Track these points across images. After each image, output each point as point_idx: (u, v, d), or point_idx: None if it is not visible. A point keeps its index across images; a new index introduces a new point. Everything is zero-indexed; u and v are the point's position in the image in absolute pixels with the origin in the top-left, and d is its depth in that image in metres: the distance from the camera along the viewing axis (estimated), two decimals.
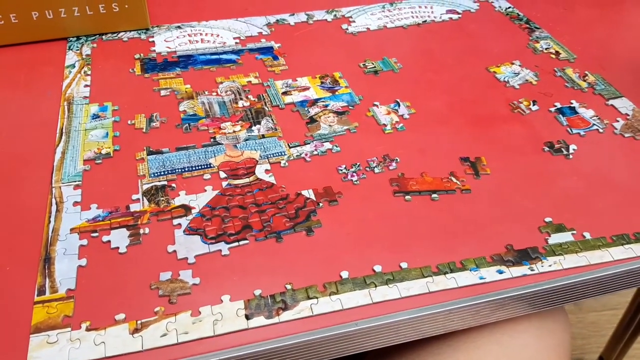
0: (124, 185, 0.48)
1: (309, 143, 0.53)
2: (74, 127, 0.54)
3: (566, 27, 0.72)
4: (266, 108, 0.57)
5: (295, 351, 0.38)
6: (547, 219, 0.46)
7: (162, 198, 0.47)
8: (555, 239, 0.45)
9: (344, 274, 0.41)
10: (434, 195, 0.48)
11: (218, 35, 0.68)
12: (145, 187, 0.48)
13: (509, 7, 0.76)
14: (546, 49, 0.68)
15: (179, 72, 0.62)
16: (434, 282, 0.41)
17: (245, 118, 0.56)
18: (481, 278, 0.42)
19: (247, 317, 0.38)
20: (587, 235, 0.45)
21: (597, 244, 0.45)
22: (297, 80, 0.61)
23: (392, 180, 0.49)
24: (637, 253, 0.44)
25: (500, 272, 0.42)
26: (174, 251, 0.42)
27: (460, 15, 0.74)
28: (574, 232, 0.45)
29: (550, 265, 0.43)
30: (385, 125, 0.56)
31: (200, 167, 0.50)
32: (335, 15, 0.73)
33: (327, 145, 0.53)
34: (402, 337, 0.40)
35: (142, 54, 0.64)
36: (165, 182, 0.48)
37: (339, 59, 0.65)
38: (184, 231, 0.44)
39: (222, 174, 0.49)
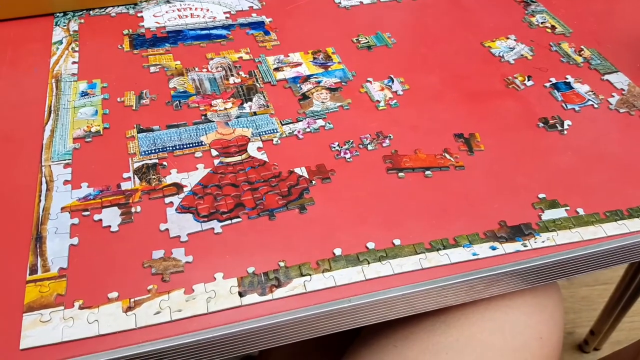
0: (115, 163, 0.47)
1: (302, 120, 0.52)
2: (62, 105, 0.53)
3: (562, 1, 0.71)
4: (258, 85, 0.56)
5: (288, 328, 0.38)
6: (541, 195, 0.46)
7: (153, 176, 0.46)
8: (549, 215, 0.45)
9: (337, 251, 0.41)
10: (427, 172, 0.48)
11: (208, 10, 0.67)
12: (136, 165, 0.47)
13: None
14: (542, 23, 0.67)
15: (169, 48, 0.61)
16: (426, 259, 0.41)
17: (236, 95, 0.55)
18: (474, 254, 0.42)
19: (241, 295, 0.38)
20: (581, 211, 0.45)
21: (591, 220, 0.45)
22: (289, 56, 0.60)
23: (386, 157, 0.49)
24: (630, 229, 0.44)
25: (494, 248, 0.42)
26: (167, 229, 0.42)
27: None
28: (568, 208, 0.46)
29: (543, 242, 0.43)
30: (378, 101, 0.55)
31: (191, 145, 0.49)
32: None
33: (320, 122, 0.52)
34: (395, 313, 0.41)
35: (130, 30, 0.63)
36: (157, 160, 0.48)
37: (331, 34, 0.64)
38: (176, 209, 0.44)
39: (214, 152, 0.49)
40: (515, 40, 0.64)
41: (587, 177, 0.48)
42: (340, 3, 0.69)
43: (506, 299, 0.47)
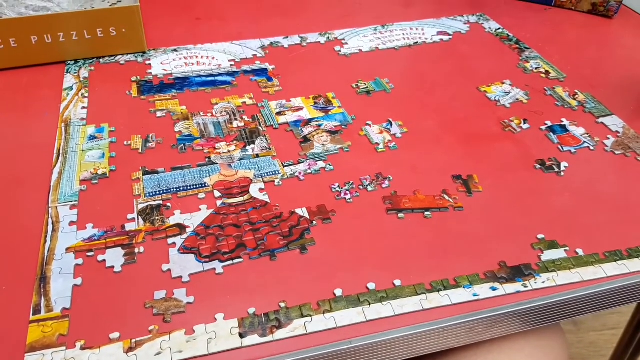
0: (120, 204, 0.48)
1: (303, 162, 0.54)
2: (70, 148, 0.54)
3: (555, 47, 0.74)
4: (260, 128, 0.58)
5: None
6: (540, 236, 0.47)
7: (157, 217, 0.47)
8: (548, 255, 0.45)
9: (338, 292, 0.41)
10: (426, 213, 0.48)
11: (213, 58, 0.69)
12: (140, 206, 0.48)
13: (499, 28, 0.78)
14: (536, 68, 0.69)
15: (175, 94, 0.63)
16: (427, 300, 0.41)
17: (239, 138, 0.56)
18: (475, 295, 0.42)
19: (241, 336, 0.38)
20: (580, 252, 0.45)
21: (590, 260, 0.45)
22: (290, 101, 0.62)
23: (385, 198, 0.50)
24: (630, 269, 0.44)
25: (494, 289, 0.42)
26: (169, 270, 0.43)
27: (451, 37, 0.76)
28: (567, 248, 0.46)
29: (543, 282, 0.43)
30: (377, 144, 0.56)
31: (195, 187, 0.50)
32: (328, 38, 0.74)
33: (321, 164, 0.53)
34: (396, 355, 0.40)
35: (138, 77, 0.65)
36: (161, 202, 0.49)
37: (332, 79, 0.66)
38: (178, 250, 0.44)
39: (217, 193, 0.50)
40: (510, 85, 0.66)
41: (586, 218, 0.49)
42: (340, 51, 0.72)
43: (509, 341, 0.47)
